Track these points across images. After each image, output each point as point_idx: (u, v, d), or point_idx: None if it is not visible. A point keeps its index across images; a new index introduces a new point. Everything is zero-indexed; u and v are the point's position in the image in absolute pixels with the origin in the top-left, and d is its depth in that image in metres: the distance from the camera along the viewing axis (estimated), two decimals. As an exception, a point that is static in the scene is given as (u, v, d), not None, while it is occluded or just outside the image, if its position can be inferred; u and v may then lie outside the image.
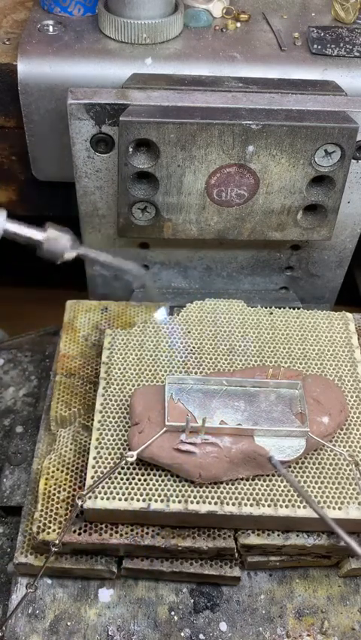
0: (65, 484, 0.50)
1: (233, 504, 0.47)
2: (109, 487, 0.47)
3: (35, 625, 0.48)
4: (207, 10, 0.62)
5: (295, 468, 0.49)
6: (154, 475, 0.48)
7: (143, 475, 0.48)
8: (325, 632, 0.49)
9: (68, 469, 0.51)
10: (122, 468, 0.48)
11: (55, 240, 0.41)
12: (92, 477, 0.48)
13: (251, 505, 0.47)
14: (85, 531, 0.48)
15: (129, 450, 0.48)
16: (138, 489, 0.47)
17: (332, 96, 0.55)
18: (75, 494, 0.49)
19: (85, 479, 0.48)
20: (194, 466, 0.46)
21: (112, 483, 0.47)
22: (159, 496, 0.47)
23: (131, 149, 0.53)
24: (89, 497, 0.46)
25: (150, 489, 0.47)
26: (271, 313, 0.60)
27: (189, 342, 0.57)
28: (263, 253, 0.67)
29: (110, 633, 0.48)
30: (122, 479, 0.48)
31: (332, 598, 0.50)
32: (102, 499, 0.47)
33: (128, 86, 0.55)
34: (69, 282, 0.66)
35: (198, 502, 0.47)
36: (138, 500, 0.47)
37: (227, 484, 0.48)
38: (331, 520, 0.39)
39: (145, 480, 0.48)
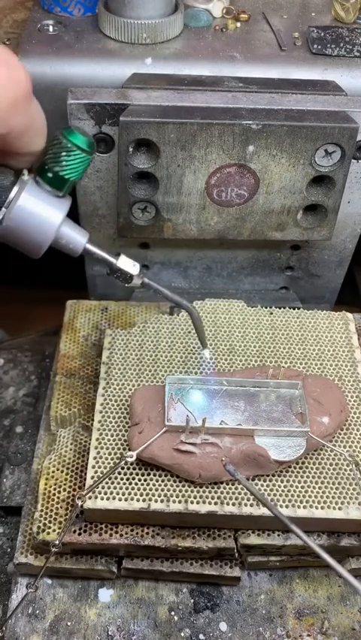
0: (65, 484, 0.50)
1: (233, 504, 0.47)
2: (109, 487, 0.47)
3: (35, 625, 0.48)
4: (207, 10, 0.62)
5: (295, 468, 0.49)
6: (154, 475, 0.48)
7: (143, 475, 0.48)
8: (325, 632, 0.49)
9: (68, 469, 0.51)
10: (122, 468, 0.48)
11: (127, 264, 0.45)
12: (92, 477, 0.48)
13: (251, 505, 0.47)
14: (85, 531, 0.48)
15: (129, 450, 0.48)
16: (138, 489, 0.47)
17: (332, 96, 0.55)
18: (75, 494, 0.49)
19: (85, 479, 0.48)
20: (194, 466, 0.46)
21: (112, 483, 0.47)
22: (159, 496, 0.47)
23: (131, 149, 0.53)
24: (89, 497, 0.46)
25: (150, 489, 0.47)
26: (271, 313, 0.60)
27: (189, 342, 0.57)
28: (263, 253, 0.67)
29: (110, 633, 0.48)
30: (122, 479, 0.48)
31: (332, 598, 0.51)
32: (102, 499, 0.47)
33: (128, 86, 0.55)
34: (69, 282, 0.66)
35: (198, 502, 0.47)
36: (138, 500, 0.47)
37: (227, 484, 0.48)
38: (287, 520, 0.39)
39: (145, 480, 0.48)
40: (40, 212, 0.40)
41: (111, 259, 0.45)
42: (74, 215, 0.62)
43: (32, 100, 0.37)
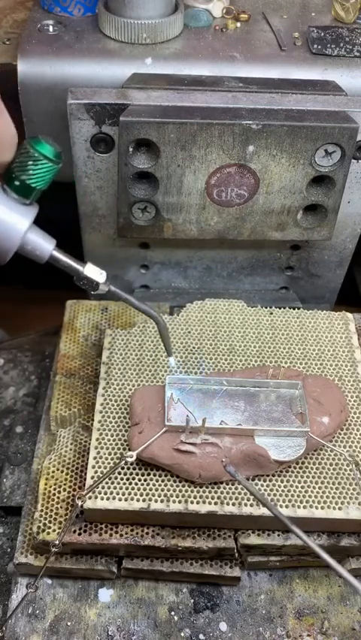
0: (65, 484, 0.50)
1: (233, 504, 0.47)
2: (109, 487, 0.47)
3: (35, 625, 0.48)
4: (207, 10, 0.62)
5: (295, 468, 0.49)
6: (154, 475, 0.48)
7: (143, 475, 0.48)
8: (325, 632, 0.49)
9: (68, 469, 0.51)
10: (122, 468, 0.48)
11: (94, 271, 0.45)
12: (92, 477, 0.48)
13: (251, 505, 0.47)
14: (85, 531, 0.48)
15: (129, 450, 0.48)
16: (138, 489, 0.47)
17: (332, 96, 0.55)
18: (75, 494, 0.49)
19: (85, 479, 0.48)
20: (194, 466, 0.46)
21: (112, 483, 0.47)
22: (159, 496, 0.47)
23: (131, 149, 0.53)
24: (89, 497, 0.46)
25: (150, 489, 0.47)
26: (271, 313, 0.60)
27: (189, 342, 0.57)
28: (263, 253, 0.67)
29: (110, 633, 0.48)
30: (122, 479, 0.48)
31: (332, 598, 0.51)
32: (102, 499, 0.47)
33: (128, 85, 0.55)
34: (69, 282, 0.66)
35: (198, 502, 0.47)
36: (138, 500, 0.47)
37: (227, 484, 0.48)
38: (287, 520, 0.39)
39: (145, 480, 0.48)
40: (6, 218, 0.41)
41: (77, 266, 0.45)
42: (74, 215, 0.62)
43: (1, 112, 0.37)
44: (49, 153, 0.40)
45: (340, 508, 0.47)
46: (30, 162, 0.40)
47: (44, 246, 0.43)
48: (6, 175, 0.41)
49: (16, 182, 0.41)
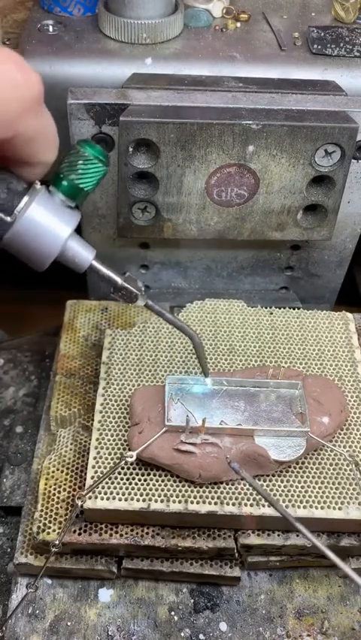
0: (65, 484, 0.50)
1: (233, 504, 0.47)
2: (109, 487, 0.47)
3: (35, 625, 0.48)
4: (207, 10, 0.62)
5: (295, 468, 0.49)
6: (154, 475, 0.48)
7: (143, 475, 0.48)
8: (325, 632, 0.49)
9: (68, 469, 0.51)
10: (122, 468, 0.48)
11: (133, 283, 0.45)
12: (92, 477, 0.48)
13: (251, 505, 0.47)
14: (85, 531, 0.48)
15: (129, 450, 0.48)
16: (138, 489, 0.47)
17: (332, 96, 0.55)
18: (75, 494, 0.49)
19: (85, 479, 0.48)
20: (194, 466, 0.46)
21: (112, 483, 0.47)
22: (159, 496, 0.47)
23: (131, 149, 0.53)
24: (89, 497, 0.46)
25: (150, 489, 0.47)
26: (271, 313, 0.60)
27: (189, 343, 0.57)
28: (263, 253, 0.67)
29: (110, 633, 0.48)
30: (122, 479, 0.48)
31: (332, 598, 0.51)
32: (102, 499, 0.47)
33: (128, 85, 0.55)
34: (69, 282, 0.66)
35: (198, 502, 0.47)
36: (138, 500, 0.47)
37: (227, 484, 0.48)
38: (291, 517, 0.39)
39: (145, 480, 0.48)
40: (49, 223, 0.39)
41: (116, 277, 0.44)
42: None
43: (43, 106, 0.37)
44: (99, 154, 0.40)
45: (340, 508, 0.47)
46: (80, 162, 0.40)
47: (84, 254, 0.42)
48: (53, 176, 0.40)
49: (65, 182, 0.40)
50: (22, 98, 0.34)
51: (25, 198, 0.39)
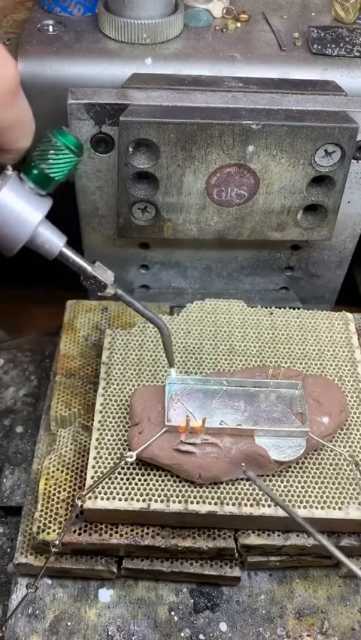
0: (65, 484, 0.50)
1: (233, 504, 0.47)
2: (109, 488, 0.47)
3: (35, 625, 0.48)
4: (207, 10, 0.62)
5: (295, 468, 0.49)
6: (154, 475, 0.48)
7: (143, 475, 0.48)
8: (325, 632, 0.49)
9: (68, 469, 0.51)
10: (122, 468, 0.48)
11: (102, 271, 0.44)
12: (92, 477, 0.48)
13: (251, 505, 0.47)
14: (85, 531, 0.48)
15: (129, 450, 0.48)
16: (138, 489, 0.47)
17: (332, 96, 0.55)
18: (75, 494, 0.49)
19: (85, 479, 0.48)
20: (194, 466, 0.46)
21: (112, 483, 0.47)
22: (159, 496, 0.47)
23: (131, 149, 0.53)
24: (89, 497, 0.46)
25: (150, 489, 0.47)
26: (271, 313, 0.60)
27: (189, 342, 0.57)
28: (263, 253, 0.67)
29: (110, 633, 0.48)
30: (122, 479, 0.48)
31: (332, 598, 0.50)
32: (102, 499, 0.47)
33: (128, 86, 0.55)
34: (69, 282, 0.66)
35: (198, 503, 0.47)
36: (138, 500, 0.47)
37: (227, 484, 0.48)
38: (304, 522, 0.39)
39: (145, 480, 0.48)
40: (19, 208, 0.40)
41: (86, 265, 0.44)
42: (74, 215, 0.62)
43: (19, 96, 0.37)
44: (71, 144, 0.40)
45: (340, 508, 0.47)
46: (52, 151, 0.40)
47: (54, 241, 0.42)
48: (25, 163, 0.40)
49: (35, 171, 0.40)
50: None
51: None
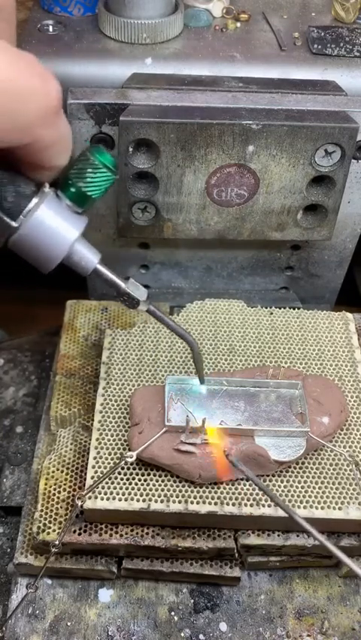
0: (65, 484, 0.50)
1: (233, 504, 0.47)
2: (109, 488, 0.47)
3: (35, 625, 0.48)
4: (207, 10, 0.62)
5: (295, 468, 0.49)
6: (154, 475, 0.48)
7: (143, 475, 0.48)
8: (325, 632, 0.49)
9: (68, 469, 0.51)
10: (122, 468, 0.48)
11: (135, 288, 0.45)
12: (92, 477, 0.48)
13: (251, 505, 0.47)
14: (85, 531, 0.48)
15: (129, 450, 0.48)
16: (138, 489, 0.47)
17: (332, 96, 0.55)
18: (75, 494, 0.49)
19: (85, 479, 0.48)
20: (194, 466, 0.46)
21: (112, 483, 0.47)
22: (159, 496, 0.47)
23: (131, 149, 0.53)
24: (89, 497, 0.46)
25: (150, 489, 0.47)
26: (271, 313, 0.60)
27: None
28: (263, 253, 0.67)
29: (110, 633, 0.48)
30: (122, 479, 0.48)
31: (332, 598, 0.50)
32: (102, 499, 0.47)
33: (128, 85, 0.55)
34: (69, 282, 0.66)
35: (198, 503, 0.47)
36: (138, 500, 0.47)
37: (227, 484, 0.48)
38: (303, 520, 0.39)
39: (145, 480, 0.48)
40: (57, 225, 0.40)
41: (120, 282, 0.44)
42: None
43: (61, 114, 0.37)
44: (109, 162, 0.40)
45: (340, 509, 0.47)
46: (89, 169, 0.40)
47: (90, 258, 0.42)
48: (62, 181, 0.40)
49: (72, 189, 0.40)
50: (41, 107, 0.35)
51: (35, 200, 0.39)
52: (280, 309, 0.61)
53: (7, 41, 0.35)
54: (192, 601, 0.50)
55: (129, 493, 0.47)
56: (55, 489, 0.50)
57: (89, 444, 0.50)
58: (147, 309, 0.45)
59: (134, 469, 0.48)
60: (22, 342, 0.70)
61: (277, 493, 0.48)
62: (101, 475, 0.47)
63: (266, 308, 0.61)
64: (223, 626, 0.49)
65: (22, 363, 0.67)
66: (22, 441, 0.60)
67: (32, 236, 0.39)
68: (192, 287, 0.70)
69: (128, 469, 0.48)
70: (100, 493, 0.47)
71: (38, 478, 0.51)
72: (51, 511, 0.49)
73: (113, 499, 0.47)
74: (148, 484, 0.48)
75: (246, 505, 0.47)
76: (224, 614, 0.50)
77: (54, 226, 0.40)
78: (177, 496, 0.47)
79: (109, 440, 0.50)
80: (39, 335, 0.71)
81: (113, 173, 0.41)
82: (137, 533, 0.48)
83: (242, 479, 0.48)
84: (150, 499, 0.47)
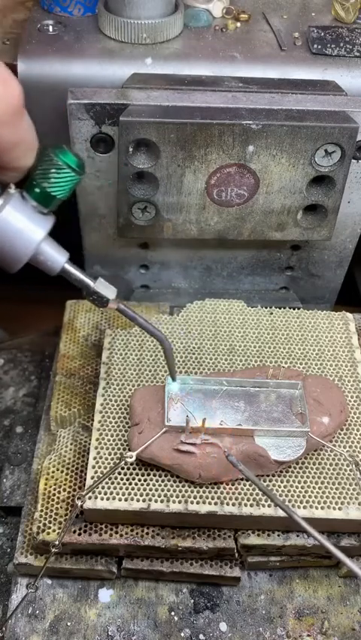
0: (65, 484, 0.50)
1: (233, 504, 0.47)
2: (109, 488, 0.47)
3: (35, 625, 0.48)
4: (207, 10, 0.62)
5: (295, 468, 0.49)
6: (154, 475, 0.48)
7: (143, 475, 0.48)
8: (325, 632, 0.49)
9: (68, 469, 0.51)
10: (122, 468, 0.48)
11: (104, 287, 0.45)
12: (92, 477, 0.48)
13: (251, 505, 0.47)
14: (85, 531, 0.48)
15: (129, 450, 0.48)
16: (138, 489, 0.47)
17: (332, 96, 0.55)
18: (75, 494, 0.49)
19: (85, 479, 0.48)
20: (194, 466, 0.46)
21: (112, 483, 0.47)
22: (159, 496, 0.47)
23: (131, 149, 0.53)
24: (89, 497, 0.46)
25: (150, 489, 0.47)
26: (271, 313, 0.60)
27: (189, 343, 0.57)
28: (263, 253, 0.67)
29: (110, 633, 0.48)
30: (122, 479, 0.48)
31: (332, 598, 0.50)
32: (102, 499, 0.47)
33: (128, 85, 0.55)
34: (69, 282, 0.66)
35: (198, 503, 0.47)
36: (138, 500, 0.47)
37: (227, 484, 0.48)
38: (303, 521, 0.39)
39: (145, 480, 0.48)
40: (22, 226, 0.40)
41: (88, 281, 0.45)
42: (74, 215, 0.62)
43: (23, 116, 0.37)
44: (72, 163, 0.40)
45: (340, 509, 0.47)
46: (53, 170, 0.40)
47: (57, 257, 0.43)
48: (26, 182, 0.40)
49: (37, 190, 0.40)
50: (1, 109, 0.35)
51: (0, 201, 0.39)
52: (280, 309, 0.61)
53: None
54: (192, 601, 0.50)
55: (129, 493, 0.47)
56: (55, 489, 0.50)
57: (89, 444, 0.50)
58: (116, 308, 0.45)
59: (134, 469, 0.48)
60: (22, 342, 0.70)
61: (277, 493, 0.48)
62: (101, 475, 0.47)
63: (266, 308, 0.61)
64: (223, 626, 0.49)
65: (22, 363, 0.67)
66: (22, 441, 0.60)
67: None
68: (192, 287, 0.70)
69: (128, 469, 0.48)
70: (100, 493, 0.47)
71: (38, 478, 0.51)
72: (51, 511, 0.49)
73: (113, 499, 0.47)
74: (148, 484, 0.48)
75: (246, 505, 0.47)
76: (224, 614, 0.50)
77: (20, 227, 0.40)
78: (177, 496, 0.47)
79: (109, 440, 0.50)
80: (39, 335, 0.71)
81: (78, 173, 0.41)
82: (137, 533, 0.48)
83: (242, 479, 0.48)
84: (150, 499, 0.47)
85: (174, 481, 0.48)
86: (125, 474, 0.48)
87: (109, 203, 0.60)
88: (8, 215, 0.39)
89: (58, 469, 0.51)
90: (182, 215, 0.58)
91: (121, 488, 0.47)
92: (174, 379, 0.50)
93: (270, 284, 0.70)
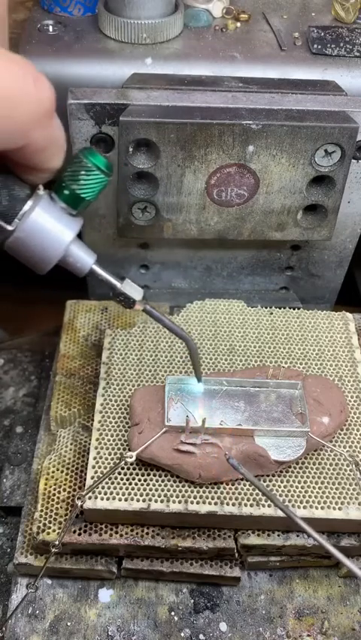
0: (65, 484, 0.50)
1: (233, 504, 0.47)
2: (109, 488, 0.47)
3: (35, 625, 0.48)
4: (207, 10, 0.62)
5: (295, 468, 0.49)
6: (154, 475, 0.48)
7: (143, 475, 0.48)
8: (325, 632, 0.49)
9: (68, 469, 0.51)
10: (122, 468, 0.48)
11: (131, 288, 0.45)
12: (92, 477, 0.48)
13: (251, 505, 0.47)
14: (85, 531, 0.48)
15: (129, 450, 0.48)
16: (138, 489, 0.47)
17: (332, 96, 0.55)
18: (75, 494, 0.49)
19: (85, 479, 0.48)
20: (194, 466, 0.46)
21: (112, 483, 0.47)
22: (159, 496, 0.47)
23: (131, 149, 0.53)
24: (89, 497, 0.46)
25: (150, 489, 0.47)
26: (271, 313, 0.60)
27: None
28: (263, 253, 0.67)
29: (110, 633, 0.48)
30: (122, 479, 0.48)
31: (332, 598, 0.51)
32: (102, 499, 0.47)
33: (128, 85, 0.55)
34: (69, 282, 0.66)
35: (198, 503, 0.47)
36: (138, 500, 0.47)
37: (227, 484, 0.48)
38: (301, 521, 0.39)
39: (145, 480, 0.48)
40: (52, 227, 0.40)
41: (115, 282, 0.45)
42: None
43: (54, 117, 0.37)
44: (102, 164, 0.40)
45: (340, 509, 0.47)
46: (82, 172, 0.40)
47: (85, 259, 0.43)
48: (56, 184, 0.41)
49: (66, 192, 0.40)
50: (34, 110, 0.35)
51: (29, 203, 0.39)
52: (280, 309, 0.61)
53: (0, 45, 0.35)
54: (192, 601, 0.50)
55: (129, 493, 0.47)
56: (55, 489, 0.50)
57: (89, 444, 0.50)
58: (143, 309, 0.45)
59: (134, 469, 0.48)
60: (22, 342, 0.70)
61: (277, 494, 0.48)
62: (101, 475, 0.47)
63: (266, 308, 0.61)
64: (223, 626, 0.49)
65: (22, 363, 0.67)
66: (22, 441, 0.60)
67: (28, 238, 0.40)
68: (192, 287, 0.70)
69: (128, 469, 0.48)
70: (100, 493, 0.47)
71: (38, 478, 0.51)
72: (51, 511, 0.49)
73: (113, 499, 0.47)
74: (148, 484, 0.48)
75: (246, 505, 0.47)
76: (224, 614, 0.50)
77: (49, 228, 0.40)
78: (177, 496, 0.47)
79: (109, 440, 0.50)
80: (39, 335, 0.71)
81: (107, 175, 0.41)
82: (137, 533, 0.48)
83: (242, 479, 0.48)
84: (150, 499, 0.47)
85: (174, 481, 0.48)
86: (125, 474, 0.48)
87: (109, 203, 0.60)
88: (38, 217, 0.39)
89: (58, 469, 0.51)
90: (182, 215, 0.58)
91: (121, 488, 0.47)
92: (199, 380, 0.50)
93: (270, 284, 0.70)
